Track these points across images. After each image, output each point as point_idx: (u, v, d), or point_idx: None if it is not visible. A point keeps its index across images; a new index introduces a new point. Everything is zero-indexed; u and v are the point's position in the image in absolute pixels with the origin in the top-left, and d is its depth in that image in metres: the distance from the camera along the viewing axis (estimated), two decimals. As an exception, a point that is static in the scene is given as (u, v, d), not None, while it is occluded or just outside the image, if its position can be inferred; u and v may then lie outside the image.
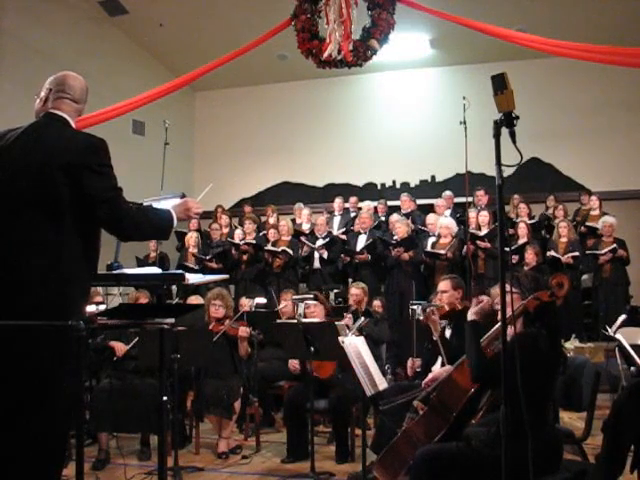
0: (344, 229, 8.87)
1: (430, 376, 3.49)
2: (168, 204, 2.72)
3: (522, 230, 7.55)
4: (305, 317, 5.10)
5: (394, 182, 11.12)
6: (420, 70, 10.93)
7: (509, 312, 2.40)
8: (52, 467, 2.41)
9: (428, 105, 10.82)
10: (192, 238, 8.60)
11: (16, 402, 2.34)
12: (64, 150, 2.42)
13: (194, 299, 6.54)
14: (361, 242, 8.11)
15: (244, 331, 5.32)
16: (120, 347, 5.03)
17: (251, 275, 8.37)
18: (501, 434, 2.07)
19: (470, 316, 2.90)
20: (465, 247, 7.37)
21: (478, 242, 7.39)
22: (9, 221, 2.41)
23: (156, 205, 2.74)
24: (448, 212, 8.72)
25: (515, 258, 7.16)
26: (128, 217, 2.47)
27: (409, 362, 4.63)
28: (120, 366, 5.04)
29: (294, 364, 5.19)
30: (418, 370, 4.55)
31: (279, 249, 8.15)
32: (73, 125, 2.60)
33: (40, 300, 2.36)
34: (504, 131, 2.10)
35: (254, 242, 8.40)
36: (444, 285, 4.34)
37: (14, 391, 2.34)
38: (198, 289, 7.35)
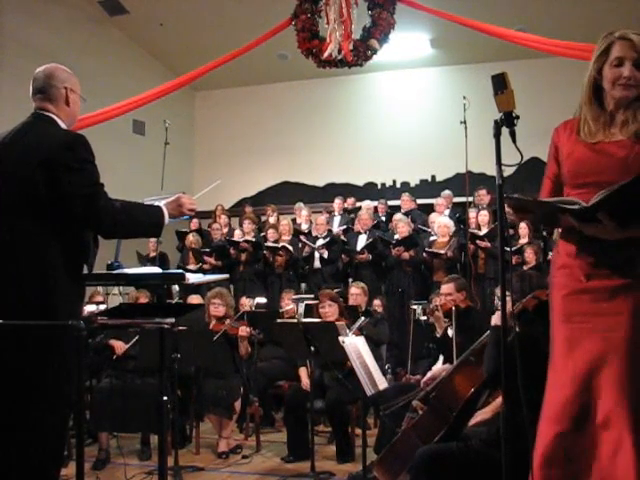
0: (344, 227, 8.88)
1: (429, 374, 3.48)
2: None
3: (523, 230, 7.54)
4: (320, 317, 5.11)
5: (394, 182, 11.12)
6: (420, 70, 10.93)
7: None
8: (50, 467, 2.41)
9: (428, 105, 10.81)
10: (193, 238, 8.62)
11: (13, 402, 2.34)
12: (42, 148, 2.40)
13: (194, 298, 6.55)
14: (361, 242, 8.11)
15: (244, 330, 5.33)
16: (119, 346, 5.02)
17: (251, 274, 8.37)
18: (501, 434, 2.06)
19: (494, 321, 2.89)
20: (466, 247, 7.37)
21: (478, 242, 7.38)
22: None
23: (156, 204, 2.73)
24: (447, 212, 8.72)
25: (516, 259, 7.13)
26: (106, 213, 2.41)
27: (404, 379, 4.63)
28: (120, 366, 5.03)
29: (305, 383, 4.93)
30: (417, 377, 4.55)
31: (279, 245, 8.15)
32: (60, 120, 2.56)
33: (24, 301, 2.35)
34: (504, 131, 2.09)
35: (253, 240, 8.41)
36: (448, 288, 4.34)
37: (11, 391, 2.34)
38: (198, 289, 7.36)
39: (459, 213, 8.65)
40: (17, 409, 2.34)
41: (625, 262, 2.09)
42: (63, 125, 2.58)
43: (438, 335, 4.44)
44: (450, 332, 4.39)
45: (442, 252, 7.32)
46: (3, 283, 2.37)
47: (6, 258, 2.38)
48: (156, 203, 2.68)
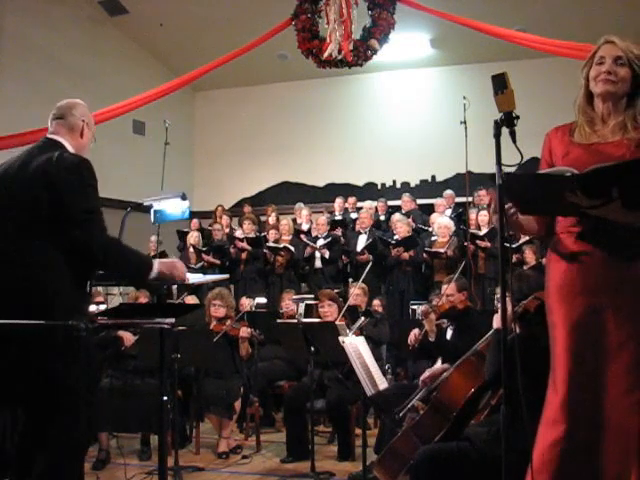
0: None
1: (427, 373, 3.47)
2: (168, 203, 2.73)
3: (523, 230, 7.53)
4: (320, 317, 5.12)
5: (394, 182, 11.12)
6: (420, 70, 10.93)
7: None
8: (64, 470, 2.42)
9: (428, 105, 10.81)
10: (193, 237, 8.63)
11: (15, 402, 2.35)
12: (48, 171, 2.49)
13: (190, 299, 6.54)
14: (361, 242, 8.11)
15: (245, 332, 5.31)
16: (128, 337, 4.94)
17: (251, 274, 8.38)
18: (501, 434, 2.07)
19: (496, 324, 2.89)
20: (466, 247, 7.36)
21: (478, 242, 7.38)
22: (9, 236, 2.47)
23: (156, 205, 2.75)
24: (449, 212, 8.72)
25: (516, 257, 7.13)
26: (99, 244, 2.46)
27: (413, 331, 4.57)
28: (120, 366, 5.03)
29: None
30: (415, 346, 4.52)
31: (281, 245, 8.16)
32: (70, 146, 2.67)
33: (29, 307, 2.38)
34: (504, 131, 2.09)
35: (254, 237, 8.42)
36: (449, 288, 4.33)
37: (12, 390, 2.35)
38: (198, 288, 7.36)
39: (460, 209, 8.63)
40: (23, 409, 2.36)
41: (623, 259, 2.10)
42: (71, 150, 2.66)
43: (432, 339, 4.41)
44: (449, 334, 4.39)
45: (442, 251, 7.32)
46: (9, 289, 2.40)
47: (10, 268, 2.42)
48: (158, 204, 2.69)
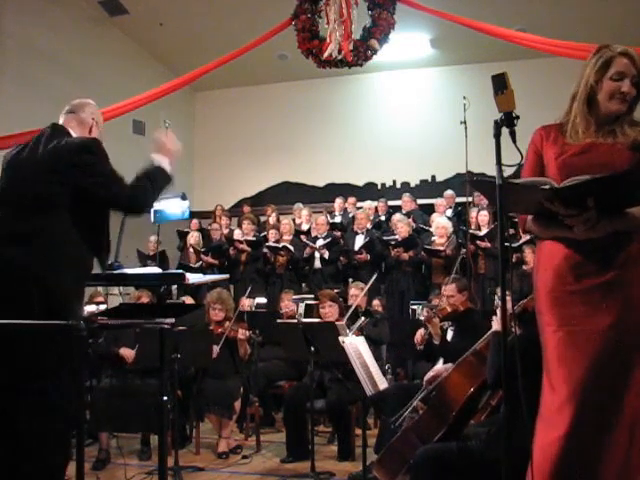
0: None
1: (431, 373, 3.48)
2: (168, 203, 2.75)
3: (524, 230, 7.52)
4: (321, 318, 5.12)
5: (394, 182, 11.12)
6: (420, 70, 10.93)
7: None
8: (55, 467, 2.41)
9: (428, 105, 10.82)
10: (193, 237, 8.63)
11: (15, 401, 2.35)
12: (59, 152, 2.53)
13: (187, 300, 6.53)
14: (359, 242, 8.12)
15: (243, 334, 5.31)
16: (129, 354, 5.03)
17: (251, 274, 8.38)
18: (501, 434, 2.07)
19: (495, 327, 2.89)
20: (465, 246, 7.37)
21: (478, 242, 7.38)
22: (12, 219, 2.49)
23: (156, 204, 2.76)
24: (449, 212, 8.72)
25: (516, 257, 7.13)
26: (125, 196, 2.64)
27: (419, 331, 4.59)
28: (120, 366, 5.03)
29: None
30: (421, 347, 4.53)
31: (280, 245, 8.16)
32: (74, 134, 2.72)
33: (32, 295, 2.38)
34: (504, 131, 2.10)
35: (254, 239, 8.42)
36: (450, 290, 4.33)
37: (14, 390, 2.35)
38: (198, 289, 7.35)
39: (460, 208, 8.62)
40: (17, 409, 2.35)
41: (614, 257, 2.12)
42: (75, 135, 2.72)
43: (436, 342, 4.42)
44: (450, 334, 4.39)
45: (441, 249, 7.33)
46: (10, 278, 2.40)
47: (15, 252, 2.43)
48: (158, 204, 2.72)
